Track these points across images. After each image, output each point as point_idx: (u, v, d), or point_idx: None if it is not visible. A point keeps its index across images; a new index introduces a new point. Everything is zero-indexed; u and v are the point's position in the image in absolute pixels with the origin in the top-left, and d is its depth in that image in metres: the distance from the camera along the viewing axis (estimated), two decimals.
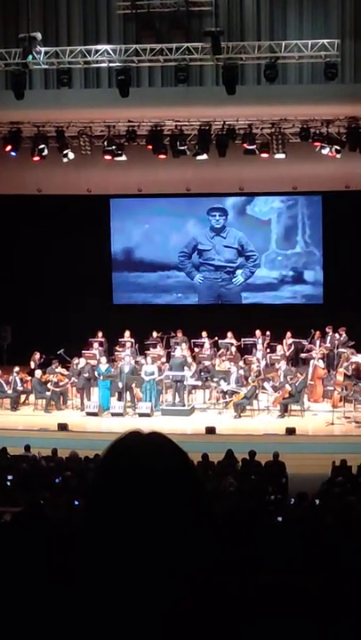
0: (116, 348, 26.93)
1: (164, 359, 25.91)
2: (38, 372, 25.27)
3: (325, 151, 25.17)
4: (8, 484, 17.32)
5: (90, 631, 1.57)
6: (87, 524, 1.64)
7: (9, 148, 26.11)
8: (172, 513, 1.60)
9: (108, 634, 1.56)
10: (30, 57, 22.24)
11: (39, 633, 1.79)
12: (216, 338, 26.88)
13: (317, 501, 14.85)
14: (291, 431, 22.13)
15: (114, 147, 26.07)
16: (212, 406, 25.18)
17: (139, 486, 1.60)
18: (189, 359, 25.64)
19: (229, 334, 26.76)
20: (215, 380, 24.91)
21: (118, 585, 1.56)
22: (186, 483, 1.65)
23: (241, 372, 24.51)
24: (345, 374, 24.39)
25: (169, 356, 25.96)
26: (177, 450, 1.69)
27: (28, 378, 25.76)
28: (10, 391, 25.29)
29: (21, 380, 25.52)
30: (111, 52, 22.75)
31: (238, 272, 30.77)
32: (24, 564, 2.33)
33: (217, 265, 30.87)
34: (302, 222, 30.35)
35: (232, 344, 26.46)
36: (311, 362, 25.48)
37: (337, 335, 26.18)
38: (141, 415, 24.05)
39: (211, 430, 22.36)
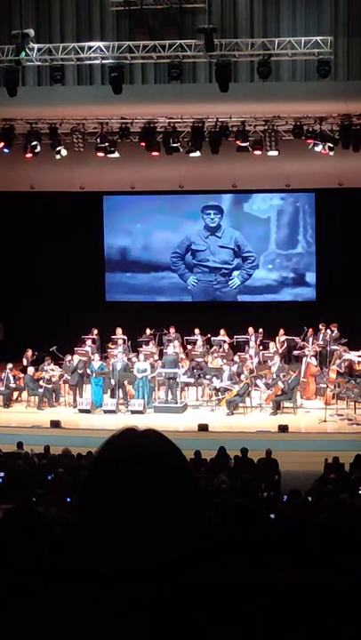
0: (109, 345, 26.92)
1: (156, 356, 25.89)
2: (31, 369, 25.25)
3: (318, 148, 25.16)
4: (0, 481, 17.32)
5: (83, 628, 1.57)
6: (80, 520, 1.64)
7: (2, 144, 26.06)
8: (166, 509, 1.59)
9: (101, 630, 1.55)
10: (23, 54, 22.24)
11: (31, 629, 1.79)
12: (209, 335, 26.85)
13: (310, 498, 14.87)
14: (283, 428, 22.13)
15: (107, 144, 26.04)
16: (204, 403, 25.16)
17: (133, 482, 1.60)
18: (182, 356, 25.62)
19: (222, 331, 26.72)
20: (208, 377, 24.90)
21: (111, 581, 1.56)
22: (181, 479, 1.65)
23: (234, 368, 24.50)
24: (337, 372, 24.40)
25: (161, 354, 25.94)
26: (172, 446, 1.69)
27: (21, 375, 25.73)
28: (2, 388, 25.26)
29: (14, 376, 25.49)
30: (104, 48, 22.75)
31: (235, 274, 30.06)
32: (15, 561, 2.33)
33: (212, 266, 30.14)
34: (304, 221, 29.76)
35: (225, 341, 26.44)
36: (304, 359, 25.48)
37: (329, 331, 26.19)
38: (134, 412, 24.04)
39: (203, 427, 22.35)
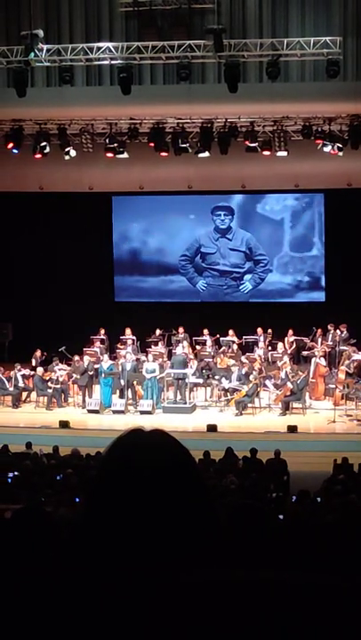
0: (118, 345, 26.91)
1: (165, 357, 25.88)
2: (40, 370, 25.25)
3: (327, 149, 25.12)
4: (9, 481, 17.33)
5: (88, 627, 1.57)
6: (88, 520, 1.64)
7: (11, 145, 26.11)
8: (173, 509, 1.60)
9: (106, 629, 1.55)
10: (32, 54, 22.26)
11: (36, 628, 1.79)
12: (218, 335, 26.80)
13: (319, 499, 14.85)
14: (292, 429, 22.12)
15: (116, 144, 26.06)
16: (213, 404, 25.17)
17: (140, 483, 1.60)
18: (191, 357, 25.60)
19: (231, 332, 26.68)
20: (217, 377, 24.91)
21: (116, 581, 1.56)
22: (188, 479, 1.65)
23: (244, 368, 24.46)
24: (346, 372, 24.37)
25: (170, 354, 25.93)
26: (179, 447, 1.69)
27: (31, 373, 25.70)
28: (11, 388, 25.29)
29: (23, 376, 25.49)
30: (113, 49, 22.76)
31: (246, 278, 29.60)
32: (23, 562, 2.34)
33: (222, 270, 29.61)
34: (320, 222, 29.29)
35: (233, 342, 26.42)
36: (313, 359, 25.45)
37: (338, 331, 26.15)
38: (143, 413, 24.04)
39: (212, 428, 22.35)
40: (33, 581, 1.82)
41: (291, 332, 26.58)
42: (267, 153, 26.01)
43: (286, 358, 24.77)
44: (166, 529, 1.58)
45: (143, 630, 1.50)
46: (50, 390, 24.95)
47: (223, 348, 26.29)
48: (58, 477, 17.14)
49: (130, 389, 24.82)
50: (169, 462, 1.64)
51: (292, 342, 26.50)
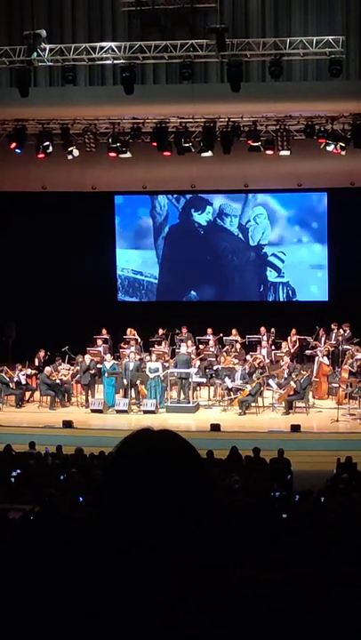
0: (121, 345, 26.93)
1: (168, 356, 25.90)
2: (48, 369, 25.21)
3: (330, 148, 25.13)
4: (12, 480, 17.35)
5: (96, 623, 1.59)
6: (96, 518, 1.65)
7: (14, 145, 26.14)
8: (182, 508, 1.61)
9: (114, 626, 1.57)
10: (35, 54, 22.31)
11: (44, 624, 1.81)
12: (221, 335, 26.81)
13: (322, 498, 14.86)
14: (296, 428, 22.13)
15: (118, 144, 26.07)
16: (216, 403, 25.18)
17: (150, 482, 1.61)
18: (194, 356, 25.61)
19: (234, 331, 26.69)
20: (220, 377, 24.92)
21: (125, 578, 1.58)
22: (197, 479, 1.66)
23: (248, 368, 24.46)
24: (350, 371, 24.37)
25: (174, 353, 25.95)
26: (189, 447, 1.70)
27: (34, 372, 25.70)
28: (14, 388, 25.30)
29: (26, 376, 25.48)
30: (116, 49, 22.78)
31: (256, 281, 29.56)
32: (37, 560, 2.36)
33: (228, 274, 29.63)
34: (323, 221, 29.12)
35: (237, 341, 26.44)
36: (316, 359, 25.47)
37: (341, 331, 26.16)
38: (146, 412, 24.06)
39: (216, 427, 22.36)
40: (44, 578, 1.83)
41: (294, 331, 26.58)
42: (269, 152, 26.00)
43: (286, 359, 24.77)
44: (174, 527, 1.59)
45: (150, 627, 1.51)
46: (52, 392, 24.94)
47: (226, 347, 26.31)
48: (62, 477, 17.16)
49: (133, 389, 24.84)
50: (178, 462, 1.65)
51: (296, 342, 26.52)
